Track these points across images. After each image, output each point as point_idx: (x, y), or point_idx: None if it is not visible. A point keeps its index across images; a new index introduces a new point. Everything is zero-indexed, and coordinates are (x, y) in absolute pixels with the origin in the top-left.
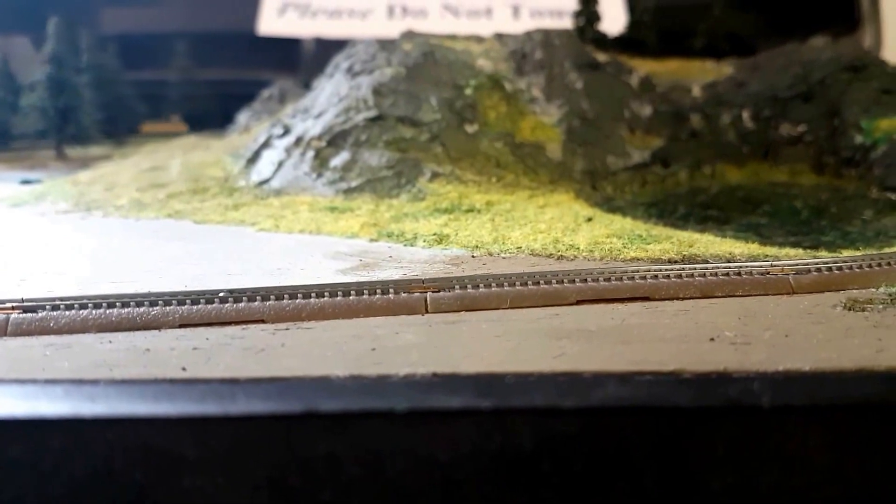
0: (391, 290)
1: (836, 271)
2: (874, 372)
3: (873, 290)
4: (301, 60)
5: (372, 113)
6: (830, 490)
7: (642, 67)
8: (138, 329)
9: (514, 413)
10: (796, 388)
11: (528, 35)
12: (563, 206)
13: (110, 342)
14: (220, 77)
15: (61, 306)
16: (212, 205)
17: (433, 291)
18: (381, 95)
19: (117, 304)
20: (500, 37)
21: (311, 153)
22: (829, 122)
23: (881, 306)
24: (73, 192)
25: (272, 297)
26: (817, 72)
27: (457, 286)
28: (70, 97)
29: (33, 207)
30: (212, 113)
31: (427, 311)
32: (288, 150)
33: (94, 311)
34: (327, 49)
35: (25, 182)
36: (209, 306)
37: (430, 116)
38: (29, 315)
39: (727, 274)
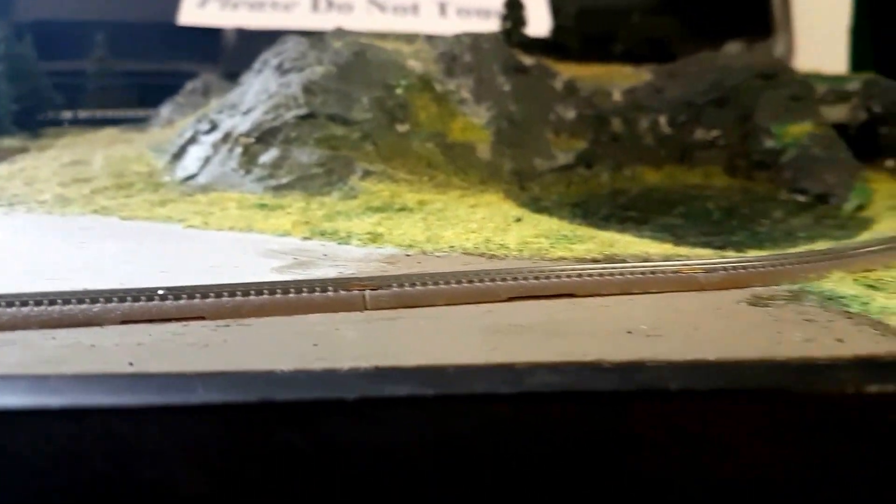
0: (330, 288)
1: (742, 270)
2: (773, 361)
3: (776, 287)
4: (223, 52)
5: (302, 111)
6: (732, 465)
7: (566, 71)
8: (80, 326)
9: (456, 400)
10: (703, 375)
11: (458, 38)
12: (493, 206)
13: (54, 338)
14: (140, 68)
15: (2, 303)
16: (138, 201)
17: (371, 289)
18: (312, 93)
19: (58, 301)
20: (429, 38)
21: (238, 150)
22: (742, 127)
23: (782, 302)
24: None
25: (212, 294)
26: (731, 79)
27: (394, 284)
28: None
29: None
30: (131, 104)
31: (366, 309)
32: (215, 146)
33: (35, 308)
34: (249, 41)
35: None
36: (150, 303)
37: (362, 115)
38: None
39: (643, 273)
